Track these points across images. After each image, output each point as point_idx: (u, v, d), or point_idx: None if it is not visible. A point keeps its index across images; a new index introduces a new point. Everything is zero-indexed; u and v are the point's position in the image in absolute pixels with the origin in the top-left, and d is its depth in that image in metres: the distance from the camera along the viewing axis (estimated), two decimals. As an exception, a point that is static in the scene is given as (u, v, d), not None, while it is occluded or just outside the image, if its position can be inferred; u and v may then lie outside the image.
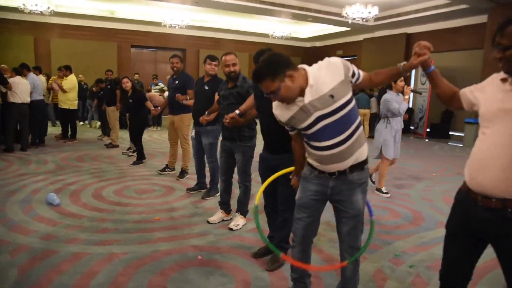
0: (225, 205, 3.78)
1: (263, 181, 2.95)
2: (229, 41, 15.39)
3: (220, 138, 3.78)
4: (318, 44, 16.94)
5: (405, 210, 4.35)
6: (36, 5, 9.55)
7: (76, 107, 8.43)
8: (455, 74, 10.32)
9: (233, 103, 3.37)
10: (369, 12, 9.61)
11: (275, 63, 1.82)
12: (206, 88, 4.31)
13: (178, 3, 10.61)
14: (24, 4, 9.50)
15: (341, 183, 2.01)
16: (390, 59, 11.07)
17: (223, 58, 3.41)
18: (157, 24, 12.70)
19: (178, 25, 11.68)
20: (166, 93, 11.29)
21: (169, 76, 5.47)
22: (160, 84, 11.46)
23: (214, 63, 4.28)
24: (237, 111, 3.01)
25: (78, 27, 12.76)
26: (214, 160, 4.42)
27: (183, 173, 5.38)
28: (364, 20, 10.12)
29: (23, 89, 6.92)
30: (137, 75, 11.39)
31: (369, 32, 13.39)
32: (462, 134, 10.06)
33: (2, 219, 3.64)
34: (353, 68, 1.90)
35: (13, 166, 5.85)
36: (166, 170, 5.64)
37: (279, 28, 13.52)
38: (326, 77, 1.83)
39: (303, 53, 17.10)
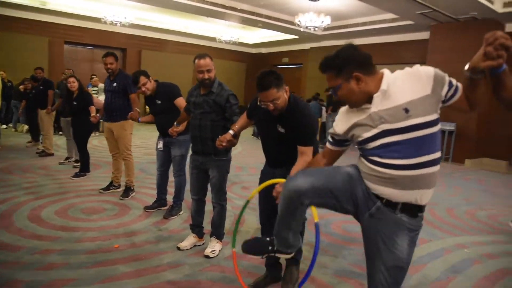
0: (198, 228, 3.31)
1: (261, 198, 2.67)
2: (174, 42, 14.69)
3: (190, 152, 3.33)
4: (264, 50, 16.84)
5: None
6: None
7: None
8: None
9: (208, 111, 2.98)
10: (322, 22, 9.60)
11: (346, 58, 1.53)
12: (159, 102, 3.93)
13: (122, -1, 9.80)
14: None
15: (385, 213, 1.60)
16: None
17: (196, 62, 2.91)
18: (96, 20, 11.65)
19: (120, 23, 10.76)
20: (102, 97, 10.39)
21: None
22: (102, 86, 10.48)
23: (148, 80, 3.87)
24: (231, 132, 2.60)
25: (3, 17, 11.27)
26: (183, 174, 3.96)
27: (128, 191, 4.63)
28: (316, 29, 10.10)
29: None
30: (69, 70, 9.50)
31: (316, 41, 13.52)
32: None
33: None
34: (450, 83, 1.49)
35: None
36: (111, 188, 4.82)
37: (226, 32, 13.14)
38: (406, 85, 1.50)
39: (248, 59, 16.90)
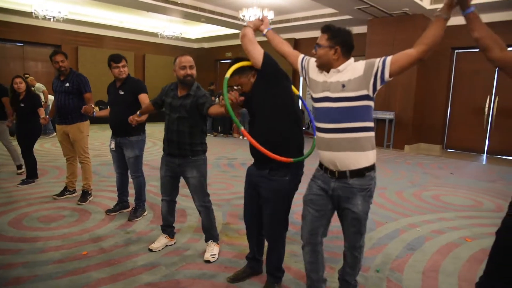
0: (169, 229, 3.30)
1: (246, 200, 2.66)
2: (112, 38, 14.06)
3: (158, 154, 3.29)
4: (206, 45, 16.69)
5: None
6: None
7: None
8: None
9: (185, 117, 2.91)
10: (266, 16, 9.74)
11: (343, 35, 2.02)
12: (121, 93, 3.78)
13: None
14: None
15: (341, 186, 2.08)
16: (279, 62, 11.49)
17: (178, 59, 2.87)
18: (26, 14, 10.83)
19: (54, 18, 10.10)
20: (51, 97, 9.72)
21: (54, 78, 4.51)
22: (39, 85, 9.79)
23: (121, 64, 3.75)
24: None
25: None
26: (140, 175, 3.89)
27: (85, 195, 4.46)
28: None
29: None
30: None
31: (259, 35, 13.67)
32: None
33: None
34: (378, 63, 1.95)
35: None
36: (66, 193, 4.60)
37: (168, 27, 12.85)
38: (350, 70, 2.02)
39: (191, 54, 16.41)
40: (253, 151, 2.43)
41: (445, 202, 4.96)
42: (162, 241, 3.26)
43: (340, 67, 2.03)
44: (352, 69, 2.01)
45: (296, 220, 4.04)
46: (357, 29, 11.18)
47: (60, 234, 3.50)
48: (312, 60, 2.22)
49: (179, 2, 10.23)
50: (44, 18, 10.08)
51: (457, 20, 3.65)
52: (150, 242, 3.33)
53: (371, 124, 2.05)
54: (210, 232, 3.15)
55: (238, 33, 13.56)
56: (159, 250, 3.19)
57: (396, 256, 3.26)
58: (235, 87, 2.39)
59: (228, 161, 7.27)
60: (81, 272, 2.79)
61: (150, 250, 3.17)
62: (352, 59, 2.07)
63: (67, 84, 4.24)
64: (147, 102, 3.53)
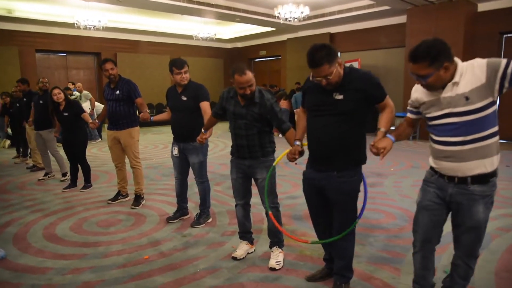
0: (248, 235, 3.20)
1: (312, 209, 2.60)
2: (148, 43, 14.40)
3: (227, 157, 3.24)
4: (239, 45, 16.75)
5: (394, 209, 4.30)
6: None
7: None
8: (379, 71, 10.91)
9: (253, 123, 2.80)
10: (302, 12, 9.66)
11: (439, 51, 1.77)
12: (184, 99, 3.66)
13: (95, 2, 9.49)
14: None
15: (461, 192, 1.95)
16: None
17: (236, 78, 2.67)
18: (68, 25, 11.27)
19: (94, 27, 10.44)
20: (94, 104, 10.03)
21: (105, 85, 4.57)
22: (75, 93, 10.10)
23: (183, 70, 3.58)
24: (297, 143, 2.52)
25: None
26: (205, 180, 3.83)
27: (138, 199, 4.54)
28: (295, 20, 10.15)
29: None
30: (44, 79, 8.85)
31: (293, 32, 13.58)
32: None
33: None
34: (507, 64, 1.73)
35: None
36: (119, 198, 4.72)
37: (202, 29, 12.98)
38: (468, 76, 1.81)
39: (225, 54, 16.78)
40: (319, 150, 2.34)
41: (505, 197, 4.69)
42: (243, 248, 3.16)
43: (456, 78, 1.82)
44: (471, 76, 1.80)
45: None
46: (396, 20, 10.86)
47: (120, 238, 3.58)
48: (414, 91, 2.06)
49: (213, 3, 10.30)
50: (85, 27, 10.44)
51: (505, 2, 3.43)
52: (207, 245, 3.34)
53: (497, 128, 1.91)
54: (277, 236, 3.04)
55: (271, 31, 13.57)
56: (219, 254, 3.19)
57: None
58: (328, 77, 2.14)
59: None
60: (146, 277, 2.83)
61: (234, 259, 3.06)
62: (459, 61, 1.85)
63: (117, 92, 4.32)
64: (208, 112, 3.47)
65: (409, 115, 2.20)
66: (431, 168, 2.09)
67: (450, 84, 1.84)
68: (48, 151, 5.97)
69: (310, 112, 2.41)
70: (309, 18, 11.61)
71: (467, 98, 1.80)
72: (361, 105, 2.22)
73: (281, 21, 10.34)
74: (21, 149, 7.68)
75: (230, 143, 3.06)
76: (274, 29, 13.22)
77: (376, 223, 3.87)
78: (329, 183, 2.33)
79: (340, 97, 2.20)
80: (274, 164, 2.79)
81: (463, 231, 2.02)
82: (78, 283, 2.76)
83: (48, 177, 6.03)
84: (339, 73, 2.16)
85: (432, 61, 1.77)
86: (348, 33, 12.11)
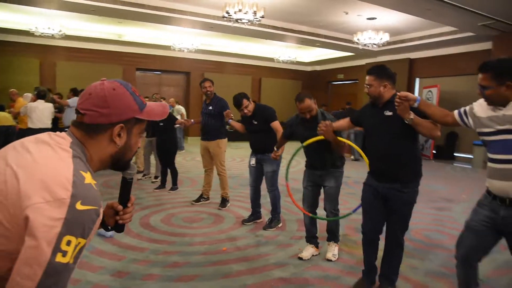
0: (314, 239, 3.60)
1: (371, 210, 2.86)
2: (233, 64, 15.49)
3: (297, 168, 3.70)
4: (318, 68, 17.20)
5: (459, 233, 4.32)
6: (49, 28, 9.40)
7: None
8: (459, 98, 10.55)
9: (324, 142, 3.11)
10: (381, 38, 9.84)
11: (506, 69, 1.92)
12: (255, 122, 4.31)
13: (189, 28, 10.65)
14: (36, 27, 9.34)
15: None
16: (396, 83, 11.31)
17: (297, 105, 3.30)
18: (165, 47, 12.69)
19: (187, 49, 11.68)
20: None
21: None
22: (179, 107, 11.24)
23: (243, 106, 4.22)
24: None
25: (84, 50, 12.61)
26: (276, 188, 4.32)
27: (224, 201, 5.16)
28: (375, 46, 10.34)
29: (40, 114, 6.63)
30: (157, 95, 10.30)
31: (372, 57, 13.69)
32: (467, 156, 10.72)
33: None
34: None
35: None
36: (201, 200, 5.36)
37: (283, 52, 13.69)
38: None
39: (304, 77, 17.32)
40: (383, 167, 2.65)
41: None
42: (309, 250, 3.53)
43: None
44: None
45: (413, 237, 4.08)
46: (480, 46, 10.52)
47: (202, 232, 4.15)
48: (477, 103, 2.16)
49: (296, 29, 10.92)
50: (180, 50, 11.70)
51: None
52: (277, 245, 3.76)
53: None
54: (334, 234, 3.51)
55: (350, 56, 13.84)
56: (287, 253, 3.58)
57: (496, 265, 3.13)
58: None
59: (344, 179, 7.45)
60: (224, 264, 3.33)
61: (300, 259, 3.44)
62: None
63: (210, 108, 5.02)
64: (280, 129, 4.08)
65: (456, 114, 2.27)
66: (487, 190, 2.14)
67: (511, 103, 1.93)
68: (150, 156, 7.01)
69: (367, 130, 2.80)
70: (388, 44, 11.69)
71: None
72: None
73: (360, 47, 10.59)
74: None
75: (300, 161, 3.54)
76: (353, 54, 13.46)
77: (438, 243, 3.98)
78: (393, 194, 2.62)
79: (390, 113, 2.56)
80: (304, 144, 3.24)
81: None
82: (169, 262, 3.34)
83: (145, 177, 6.98)
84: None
85: (496, 75, 1.90)
86: (428, 59, 11.92)
